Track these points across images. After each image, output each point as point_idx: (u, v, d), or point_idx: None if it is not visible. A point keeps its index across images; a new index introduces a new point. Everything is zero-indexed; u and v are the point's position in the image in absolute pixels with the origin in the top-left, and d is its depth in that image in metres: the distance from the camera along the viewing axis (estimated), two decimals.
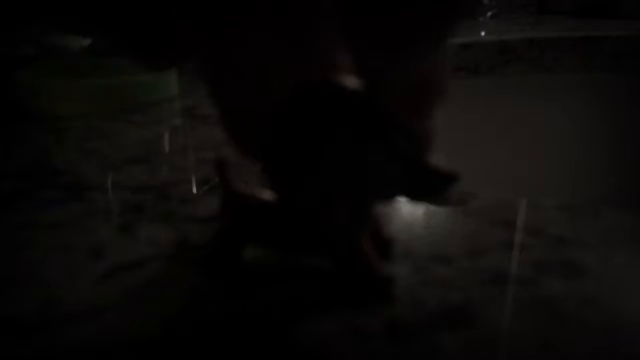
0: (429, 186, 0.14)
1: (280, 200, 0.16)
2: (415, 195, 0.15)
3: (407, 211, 0.23)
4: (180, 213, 0.23)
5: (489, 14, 0.89)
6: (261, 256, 0.19)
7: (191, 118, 0.37)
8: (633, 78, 0.74)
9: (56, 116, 0.37)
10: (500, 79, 0.69)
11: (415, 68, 0.14)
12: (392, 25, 0.12)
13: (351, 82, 0.13)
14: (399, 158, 0.14)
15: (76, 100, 0.37)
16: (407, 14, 0.12)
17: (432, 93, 0.15)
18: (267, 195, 0.17)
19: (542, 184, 0.79)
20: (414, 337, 0.15)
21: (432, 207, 0.23)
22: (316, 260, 0.18)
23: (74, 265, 0.19)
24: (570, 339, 0.15)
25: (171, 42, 0.13)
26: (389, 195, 0.15)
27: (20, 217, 0.23)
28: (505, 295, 0.17)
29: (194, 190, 0.25)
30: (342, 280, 0.17)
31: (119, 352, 0.15)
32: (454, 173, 0.14)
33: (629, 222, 0.21)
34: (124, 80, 0.39)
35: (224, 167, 0.18)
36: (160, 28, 0.13)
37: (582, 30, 0.76)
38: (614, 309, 0.16)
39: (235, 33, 0.13)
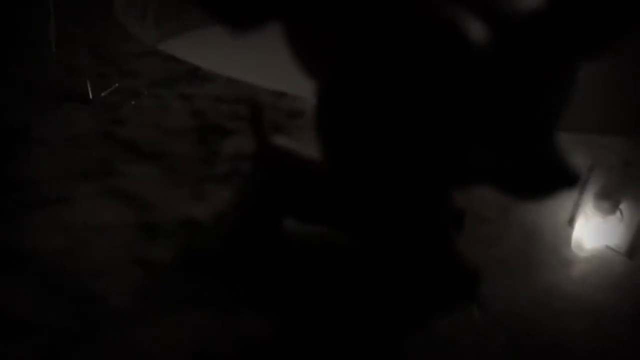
0: (543, 184, 0.11)
1: (339, 165, 0.12)
2: (519, 193, 0.12)
3: None
4: None
5: None
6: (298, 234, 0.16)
7: None
8: None
9: None
10: None
11: None
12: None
13: None
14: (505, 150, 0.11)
15: None
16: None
17: None
18: (315, 153, 0.13)
19: None
20: None
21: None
22: (371, 242, 0.15)
23: None
24: None
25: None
26: (482, 185, 0.12)
27: None
28: None
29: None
30: (421, 274, 0.14)
31: None
32: (576, 172, 0.11)
33: None
34: None
35: (260, 113, 0.15)
36: None
37: None
38: None
39: None
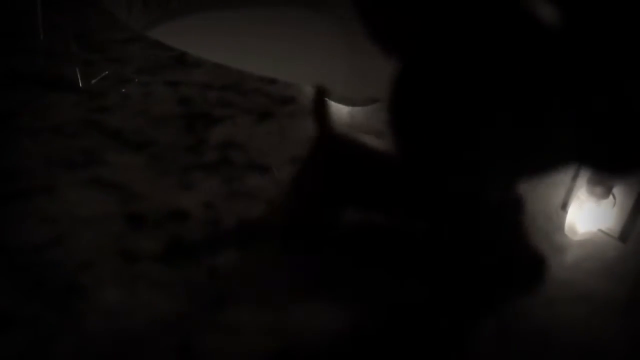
0: (624, 162, 0.10)
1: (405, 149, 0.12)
2: (603, 168, 0.11)
3: None
4: None
5: None
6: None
7: None
8: None
9: None
10: None
11: None
12: None
13: None
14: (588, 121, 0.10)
15: None
16: None
17: None
18: (377, 142, 0.13)
19: None
20: None
21: None
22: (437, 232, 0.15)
23: None
24: None
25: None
26: (560, 166, 0.11)
27: None
28: None
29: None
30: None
31: None
32: None
33: None
34: None
35: (324, 98, 0.14)
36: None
37: None
38: None
39: None
